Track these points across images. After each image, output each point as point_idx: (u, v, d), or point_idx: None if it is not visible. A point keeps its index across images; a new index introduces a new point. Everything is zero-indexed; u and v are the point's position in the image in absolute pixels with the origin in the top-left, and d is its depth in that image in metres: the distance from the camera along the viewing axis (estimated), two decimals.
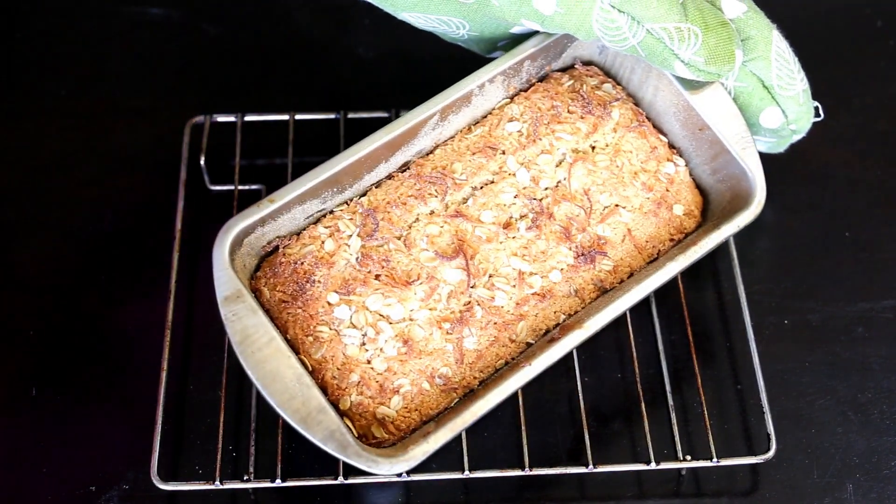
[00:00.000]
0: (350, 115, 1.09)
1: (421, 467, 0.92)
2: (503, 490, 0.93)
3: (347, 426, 0.83)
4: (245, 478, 0.89)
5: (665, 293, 1.01)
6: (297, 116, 1.08)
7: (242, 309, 0.84)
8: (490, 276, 0.88)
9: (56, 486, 0.92)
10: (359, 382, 0.85)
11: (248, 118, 1.08)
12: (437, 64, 1.18)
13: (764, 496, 0.92)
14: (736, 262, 1.00)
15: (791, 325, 1.01)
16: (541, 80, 1.00)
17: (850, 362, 0.99)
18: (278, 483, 0.89)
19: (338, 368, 0.85)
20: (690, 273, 1.03)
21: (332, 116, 1.09)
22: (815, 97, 1.13)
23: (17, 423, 0.95)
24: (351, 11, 1.24)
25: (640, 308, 0.99)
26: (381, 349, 0.85)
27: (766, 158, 1.11)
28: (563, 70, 1.01)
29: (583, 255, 0.90)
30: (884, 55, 1.20)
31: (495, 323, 0.87)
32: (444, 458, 0.93)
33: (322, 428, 0.80)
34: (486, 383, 0.87)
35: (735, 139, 0.94)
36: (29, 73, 1.18)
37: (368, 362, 0.85)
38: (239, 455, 0.93)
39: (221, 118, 1.08)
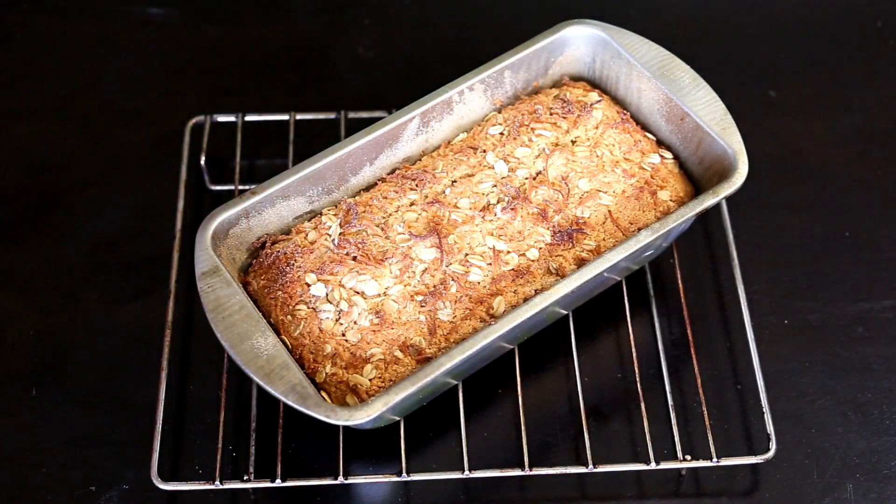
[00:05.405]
0: (350, 115, 1.09)
1: (421, 467, 0.92)
2: (503, 490, 0.93)
3: (322, 397, 0.84)
4: (245, 478, 0.89)
5: (665, 293, 1.01)
6: (297, 116, 1.08)
7: (217, 282, 0.85)
8: (465, 255, 0.89)
9: (56, 486, 0.92)
10: (333, 354, 0.86)
11: (248, 118, 1.08)
12: (437, 64, 1.19)
13: (764, 496, 0.92)
14: (736, 261, 1.00)
15: (791, 325, 1.01)
16: (529, 95, 1.01)
17: (850, 362, 0.99)
18: (278, 483, 0.89)
19: (314, 342, 0.86)
20: (691, 273, 1.03)
21: (332, 116, 1.09)
22: (815, 97, 1.14)
23: (17, 423, 0.95)
24: (351, 11, 1.24)
25: (641, 308, 1.00)
26: (354, 321, 0.87)
27: (766, 159, 1.11)
28: (552, 87, 1.02)
29: (560, 232, 0.90)
30: (884, 55, 1.20)
31: (470, 297, 0.88)
32: (444, 458, 0.93)
33: (284, 382, 0.81)
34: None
35: (715, 122, 0.94)
36: (29, 73, 1.18)
37: (343, 335, 0.86)
38: (239, 455, 0.93)
39: (221, 118, 1.08)
